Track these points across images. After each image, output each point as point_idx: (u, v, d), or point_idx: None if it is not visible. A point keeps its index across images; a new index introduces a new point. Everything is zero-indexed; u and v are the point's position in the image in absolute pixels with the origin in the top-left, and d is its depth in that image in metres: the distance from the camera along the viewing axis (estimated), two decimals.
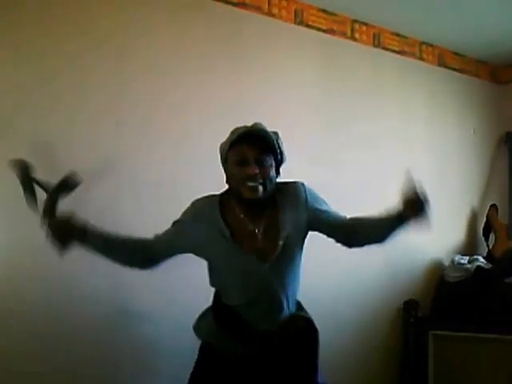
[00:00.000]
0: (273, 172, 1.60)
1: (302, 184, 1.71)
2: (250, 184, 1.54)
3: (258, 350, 1.64)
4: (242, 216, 1.62)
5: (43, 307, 2.02)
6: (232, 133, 1.61)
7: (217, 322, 1.70)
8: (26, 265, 2.00)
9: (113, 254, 1.67)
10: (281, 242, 1.62)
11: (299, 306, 1.78)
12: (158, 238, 1.70)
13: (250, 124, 1.62)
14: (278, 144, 1.61)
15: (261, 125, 1.60)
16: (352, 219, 1.79)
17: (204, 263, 1.73)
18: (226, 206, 1.64)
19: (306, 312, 1.78)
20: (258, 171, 1.54)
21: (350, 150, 3.10)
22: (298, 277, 1.73)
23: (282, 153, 1.62)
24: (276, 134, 1.62)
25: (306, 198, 1.69)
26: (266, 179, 1.57)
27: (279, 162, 1.63)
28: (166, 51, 2.41)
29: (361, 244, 1.82)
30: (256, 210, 1.62)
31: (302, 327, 1.69)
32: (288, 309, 1.67)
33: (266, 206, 1.63)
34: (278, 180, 1.67)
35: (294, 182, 1.71)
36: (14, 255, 1.98)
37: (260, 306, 1.64)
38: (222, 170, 1.66)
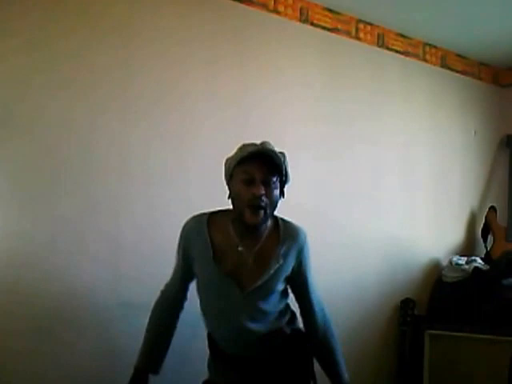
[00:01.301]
0: (277, 193, 1.59)
1: (305, 234, 1.74)
2: (255, 207, 1.53)
3: (245, 378, 1.68)
4: (235, 235, 1.63)
5: (43, 300, 2.03)
6: (240, 149, 1.60)
7: (211, 355, 1.77)
8: (26, 257, 2.00)
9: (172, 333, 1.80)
10: (271, 272, 1.62)
11: (291, 318, 1.80)
12: (172, 283, 1.80)
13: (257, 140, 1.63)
14: (285, 165, 1.60)
15: (270, 144, 1.59)
16: (325, 329, 1.78)
17: None
18: (215, 224, 1.65)
19: (297, 323, 1.81)
20: (263, 192, 1.53)
21: (352, 148, 3.11)
22: (280, 307, 1.73)
23: (287, 174, 1.62)
24: (283, 154, 1.61)
25: (305, 246, 1.72)
26: (269, 201, 1.56)
27: (284, 182, 1.63)
28: (173, 44, 2.41)
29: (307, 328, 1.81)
30: (252, 233, 1.62)
31: (280, 342, 1.71)
32: (260, 337, 1.67)
33: (263, 233, 1.63)
34: (284, 217, 1.71)
35: (300, 227, 1.73)
36: (12, 247, 1.98)
37: (229, 334, 1.67)
38: (226, 186, 1.66)
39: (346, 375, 1.80)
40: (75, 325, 2.10)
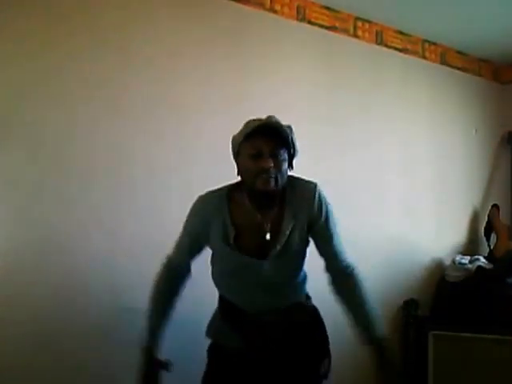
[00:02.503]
0: (286, 165, 1.58)
1: (315, 186, 1.68)
2: (264, 177, 1.52)
3: (262, 343, 1.64)
4: (252, 207, 1.60)
5: (44, 305, 2.01)
6: (246, 125, 1.59)
7: (222, 319, 1.72)
8: (26, 263, 1.98)
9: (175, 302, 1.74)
10: (282, 240, 1.60)
11: (307, 297, 1.79)
12: (177, 257, 1.74)
13: (258, 117, 1.60)
14: (292, 138, 1.60)
15: (275, 118, 1.58)
16: (355, 277, 1.70)
17: (205, 261, 1.73)
18: (233, 199, 1.64)
19: (310, 303, 1.79)
20: (272, 165, 1.52)
21: (352, 147, 3.09)
22: (301, 271, 1.72)
23: (294, 146, 1.61)
24: (290, 127, 1.60)
25: (314, 200, 1.65)
26: (279, 173, 1.55)
27: (292, 155, 1.62)
28: (169, 47, 2.39)
29: (330, 281, 1.73)
30: (266, 203, 1.60)
31: (304, 315, 1.71)
32: (289, 301, 1.69)
33: (275, 200, 1.61)
34: (294, 175, 1.66)
35: (308, 182, 1.69)
36: (10, 253, 1.97)
37: (260, 300, 1.65)
38: (234, 162, 1.64)
39: (376, 328, 1.62)
40: (74, 331, 2.08)
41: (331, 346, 1.77)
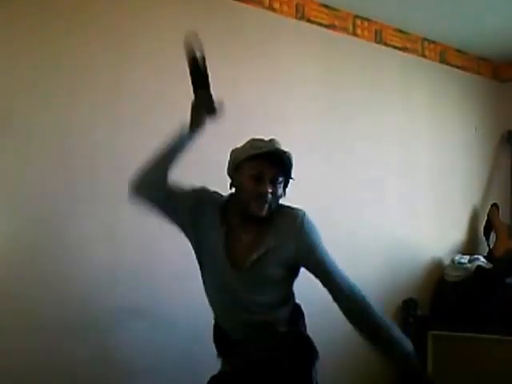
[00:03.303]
0: (281, 191, 1.63)
1: (304, 214, 1.65)
2: (261, 202, 1.56)
3: (245, 367, 1.64)
4: (238, 223, 1.63)
5: (40, 303, 2.00)
6: (251, 145, 1.61)
7: (214, 342, 1.73)
8: (23, 261, 1.98)
9: (165, 165, 1.69)
10: (255, 254, 1.59)
11: (295, 316, 1.73)
12: (175, 185, 1.70)
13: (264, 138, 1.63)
14: (292, 165, 1.62)
15: (278, 143, 1.61)
16: (362, 303, 1.61)
17: None
18: (225, 210, 1.66)
19: (301, 325, 1.74)
20: (271, 190, 1.56)
21: (351, 146, 3.08)
22: (280, 297, 1.68)
23: (291, 175, 1.64)
24: (291, 155, 1.61)
25: (302, 228, 1.62)
26: (274, 199, 1.59)
27: (287, 182, 1.66)
28: (166, 44, 2.37)
29: (344, 312, 1.63)
30: (251, 220, 1.63)
31: (292, 346, 1.66)
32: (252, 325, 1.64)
33: (260, 220, 1.62)
34: (283, 203, 1.67)
35: (296, 209, 1.67)
36: (10, 252, 1.96)
37: (230, 313, 1.65)
38: (228, 175, 1.65)
39: (406, 346, 1.60)
40: (72, 330, 2.07)
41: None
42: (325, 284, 1.62)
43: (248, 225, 1.63)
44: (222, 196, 1.70)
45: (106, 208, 2.18)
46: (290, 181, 1.66)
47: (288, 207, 1.67)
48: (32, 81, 2.02)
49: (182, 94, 2.39)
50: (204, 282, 1.71)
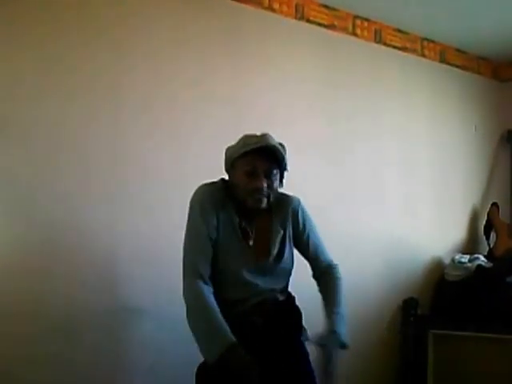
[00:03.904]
0: (277, 183, 1.68)
1: (299, 200, 1.81)
2: (257, 196, 1.61)
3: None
4: (237, 216, 1.68)
5: (43, 305, 2.00)
6: (243, 141, 1.65)
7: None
8: (24, 263, 1.98)
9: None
10: (274, 249, 1.70)
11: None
12: (203, 261, 1.62)
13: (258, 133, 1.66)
14: (285, 158, 1.67)
15: (271, 137, 1.65)
16: (328, 275, 1.83)
17: None
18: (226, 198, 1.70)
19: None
20: (266, 184, 1.62)
21: (351, 146, 3.09)
22: (287, 278, 1.80)
23: (286, 164, 1.69)
24: (283, 146, 1.67)
25: (298, 212, 1.78)
26: (271, 191, 1.65)
27: (283, 173, 1.71)
28: (165, 44, 2.38)
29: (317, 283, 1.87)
30: (250, 213, 1.69)
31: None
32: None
33: (260, 211, 1.68)
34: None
35: (292, 196, 1.81)
36: (11, 255, 1.96)
37: (249, 301, 1.68)
38: (225, 173, 1.70)
39: (339, 306, 1.74)
40: (75, 331, 2.07)
41: None
42: (309, 255, 1.82)
43: (247, 217, 1.68)
44: (215, 184, 1.69)
45: (107, 208, 2.18)
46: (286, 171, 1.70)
47: (284, 194, 1.78)
48: (30, 81, 2.02)
49: (179, 92, 2.42)
50: (215, 277, 1.66)
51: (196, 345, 1.53)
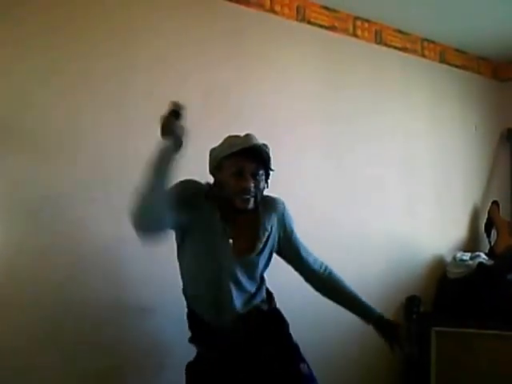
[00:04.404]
0: (264, 183, 1.70)
1: (283, 202, 1.84)
2: (245, 197, 1.63)
3: (226, 348, 1.70)
4: (219, 213, 1.70)
5: (46, 304, 2.01)
6: (229, 143, 1.66)
7: (189, 324, 1.79)
8: (27, 265, 1.98)
9: (160, 191, 1.53)
10: (260, 244, 1.73)
11: (268, 294, 1.86)
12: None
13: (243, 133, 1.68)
14: (270, 158, 1.69)
15: (254, 137, 1.66)
16: (329, 274, 1.90)
17: None
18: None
19: (274, 302, 1.86)
20: (253, 185, 1.63)
21: (352, 146, 3.10)
22: (260, 279, 1.82)
23: (271, 166, 1.71)
24: (267, 147, 1.68)
25: (283, 214, 1.81)
26: (258, 191, 1.67)
27: (268, 174, 1.73)
28: (169, 47, 2.40)
29: (316, 289, 1.91)
30: (233, 213, 1.70)
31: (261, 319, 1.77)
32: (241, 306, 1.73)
33: (245, 211, 1.69)
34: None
35: (276, 198, 1.83)
36: (13, 257, 1.97)
37: (210, 299, 1.70)
38: (210, 175, 1.72)
39: (375, 308, 1.92)
40: (78, 331, 2.08)
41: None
42: (298, 265, 1.86)
43: (229, 217, 1.70)
44: (201, 183, 1.72)
45: (110, 208, 2.18)
46: (271, 172, 1.72)
47: (268, 196, 1.79)
48: (35, 85, 2.04)
49: (185, 95, 2.44)
50: (189, 273, 1.74)
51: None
